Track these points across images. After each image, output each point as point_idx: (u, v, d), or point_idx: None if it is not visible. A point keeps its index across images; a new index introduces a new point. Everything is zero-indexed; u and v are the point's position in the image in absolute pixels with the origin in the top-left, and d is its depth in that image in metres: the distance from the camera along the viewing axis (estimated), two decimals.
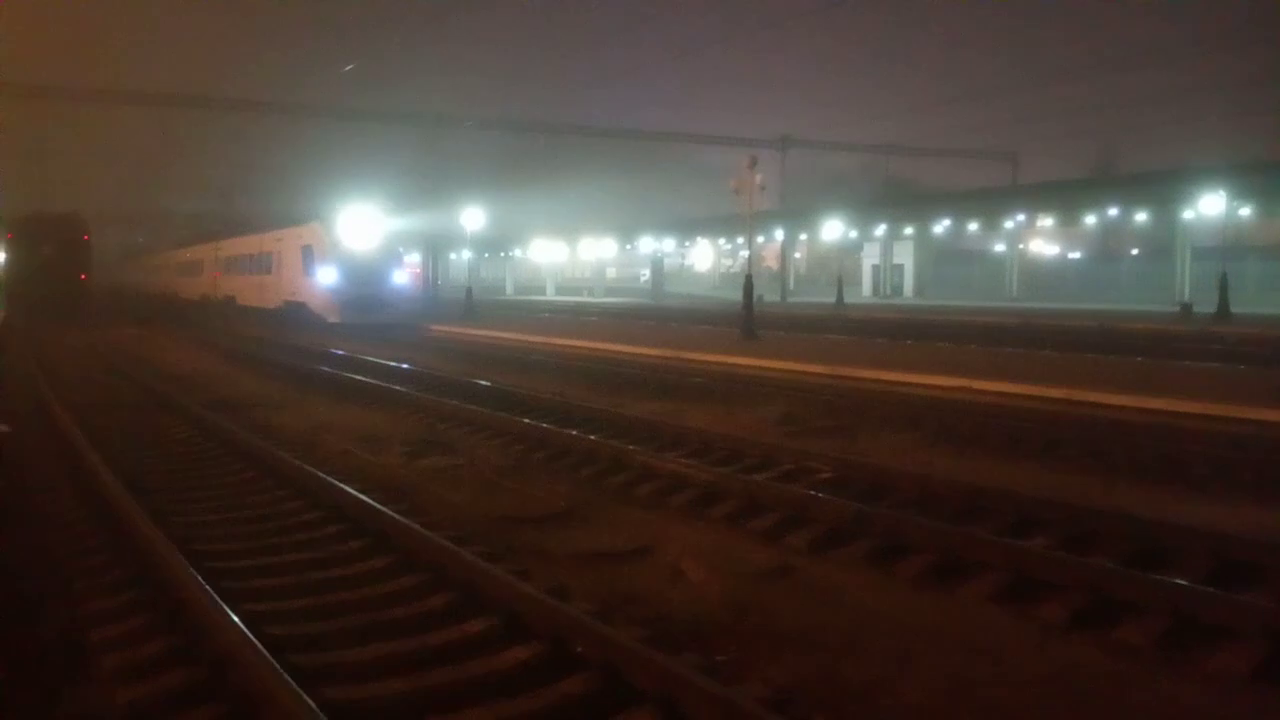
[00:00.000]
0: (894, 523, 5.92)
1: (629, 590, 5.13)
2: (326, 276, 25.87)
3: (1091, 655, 4.30)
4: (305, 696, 3.42)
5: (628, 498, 7.25)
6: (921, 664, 4.18)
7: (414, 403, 11.92)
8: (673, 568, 5.49)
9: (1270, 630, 4.24)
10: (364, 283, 25.72)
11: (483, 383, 13.49)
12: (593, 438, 8.97)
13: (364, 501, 6.32)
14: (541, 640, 4.21)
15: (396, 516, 5.94)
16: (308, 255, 27.01)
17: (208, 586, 4.56)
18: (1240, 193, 33.68)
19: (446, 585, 4.97)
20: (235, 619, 4.14)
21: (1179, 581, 4.78)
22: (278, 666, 3.67)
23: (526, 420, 10.02)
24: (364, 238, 26.64)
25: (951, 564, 5.40)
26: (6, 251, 35.51)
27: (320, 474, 7.17)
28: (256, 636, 3.98)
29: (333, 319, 25.70)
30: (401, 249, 29.00)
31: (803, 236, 58.65)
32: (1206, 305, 31.16)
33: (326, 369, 15.93)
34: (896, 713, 3.74)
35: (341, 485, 6.78)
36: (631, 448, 8.47)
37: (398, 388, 13.20)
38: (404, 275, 28.40)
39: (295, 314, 27.83)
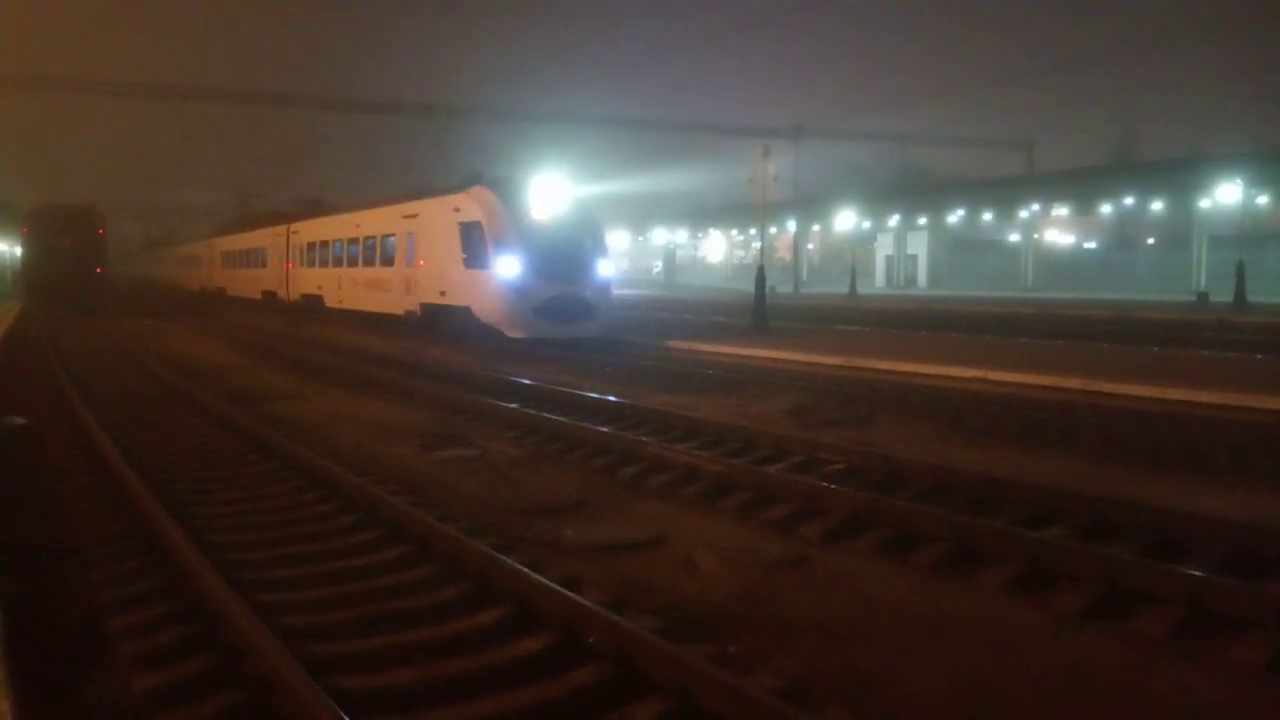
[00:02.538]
0: (908, 513, 5.89)
1: (641, 581, 5.14)
2: (507, 267, 17.32)
3: (1107, 646, 4.27)
4: (319, 686, 3.44)
5: (640, 489, 7.25)
6: (935, 654, 4.17)
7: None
8: (685, 558, 5.49)
9: None
10: (562, 277, 17.61)
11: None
12: (605, 429, 8.97)
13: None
14: (554, 630, 4.22)
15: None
16: (472, 236, 18.16)
17: (223, 577, 4.59)
18: (1258, 180, 33.37)
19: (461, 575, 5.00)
20: (250, 609, 4.16)
21: (1196, 572, 4.74)
22: (292, 656, 3.69)
23: (547, 415, 10.02)
24: (558, 209, 18.32)
25: (966, 554, 5.38)
26: (23, 244, 35.81)
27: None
28: (271, 626, 4.01)
29: (515, 332, 17.59)
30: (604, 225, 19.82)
31: (816, 227, 58.48)
32: (1224, 294, 30.91)
33: None
34: (910, 703, 3.73)
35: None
36: (644, 439, 8.47)
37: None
38: (610, 266, 19.08)
39: (447, 322, 19.44)
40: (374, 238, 22.93)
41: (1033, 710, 3.70)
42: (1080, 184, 42.51)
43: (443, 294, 19.22)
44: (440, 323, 19.74)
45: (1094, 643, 4.32)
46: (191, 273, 45.59)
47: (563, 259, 17.76)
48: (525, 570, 4.71)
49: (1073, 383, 11.66)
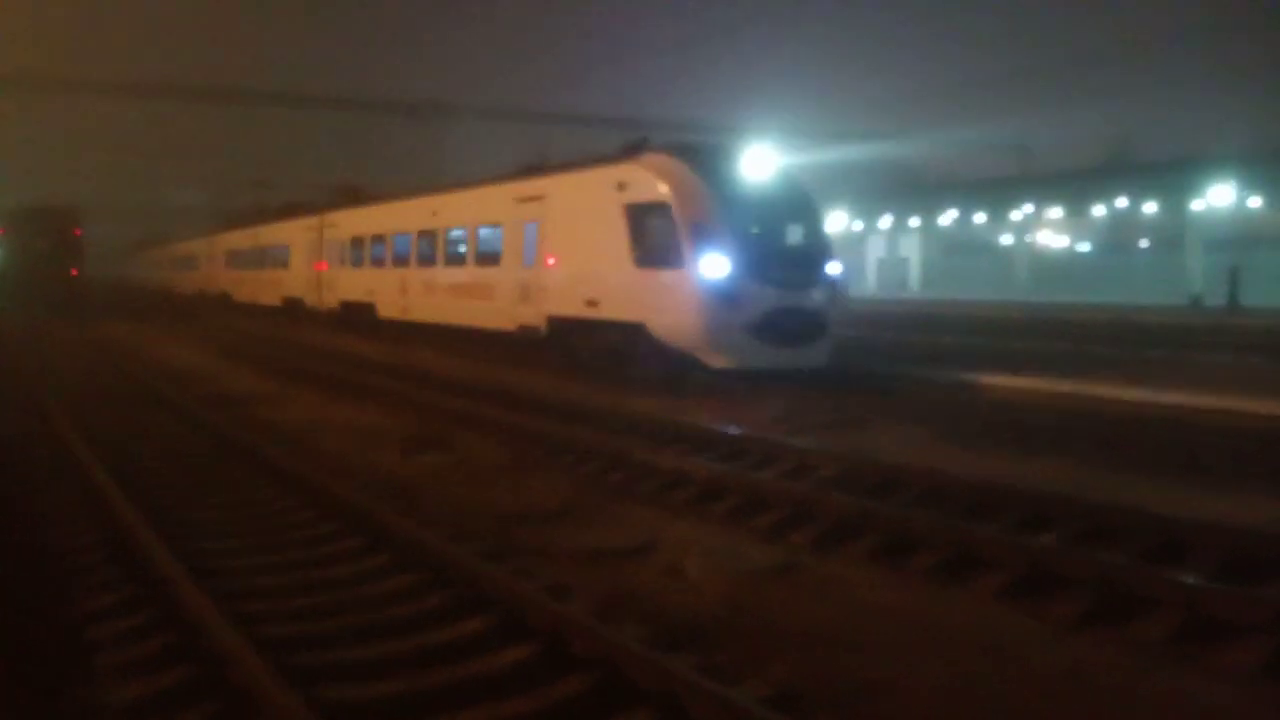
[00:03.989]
0: (900, 519, 5.83)
1: (629, 588, 5.06)
2: (712, 267, 12.01)
3: (1103, 652, 4.22)
4: (300, 696, 3.38)
5: (629, 495, 7.17)
6: (929, 661, 4.10)
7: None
8: (673, 565, 5.41)
9: None
10: (782, 281, 12.44)
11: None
12: (592, 434, 8.89)
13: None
14: (540, 639, 4.14)
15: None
16: (649, 222, 12.91)
17: (203, 586, 4.50)
18: (1251, 183, 33.50)
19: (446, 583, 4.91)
20: (230, 618, 4.09)
21: (1191, 578, 4.69)
22: (274, 667, 3.62)
23: (526, 417, 9.94)
24: (768, 186, 13.18)
25: (960, 560, 5.31)
26: None
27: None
28: (252, 636, 3.93)
29: (718, 360, 12.22)
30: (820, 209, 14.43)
31: None
32: (1218, 298, 30.99)
33: None
34: (903, 712, 3.66)
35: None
36: (632, 444, 8.39)
37: None
38: (838, 264, 13.66)
39: (592, 343, 14.10)
40: (464, 229, 17.75)
41: (1029, 717, 3.64)
42: (1073, 186, 42.67)
43: (592, 304, 13.74)
44: (582, 344, 14.34)
45: (1091, 648, 4.26)
46: (187, 275, 40.34)
47: (783, 255, 12.80)
48: (511, 578, 4.64)
49: (1067, 386, 11.64)
